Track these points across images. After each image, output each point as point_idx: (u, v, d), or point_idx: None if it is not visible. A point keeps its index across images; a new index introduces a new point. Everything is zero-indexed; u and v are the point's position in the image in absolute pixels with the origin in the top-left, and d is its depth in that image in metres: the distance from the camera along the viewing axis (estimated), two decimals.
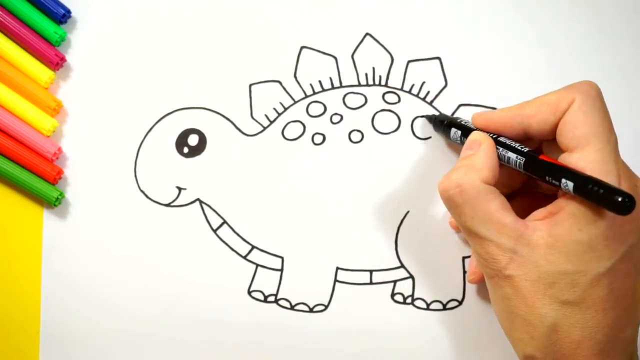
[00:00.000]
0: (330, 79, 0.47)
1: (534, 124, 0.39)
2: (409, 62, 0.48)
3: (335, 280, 0.47)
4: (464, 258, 0.46)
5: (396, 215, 0.47)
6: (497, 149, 0.40)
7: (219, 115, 0.47)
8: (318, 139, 0.47)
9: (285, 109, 0.47)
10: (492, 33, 0.48)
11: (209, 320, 0.47)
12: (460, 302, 0.47)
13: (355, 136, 0.47)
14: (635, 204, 0.32)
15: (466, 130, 0.42)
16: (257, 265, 0.47)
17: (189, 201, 0.47)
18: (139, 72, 0.47)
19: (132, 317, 0.47)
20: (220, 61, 0.47)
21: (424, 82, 0.47)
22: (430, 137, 0.47)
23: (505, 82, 0.48)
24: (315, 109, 0.47)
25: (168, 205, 0.47)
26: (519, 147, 0.39)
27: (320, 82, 0.47)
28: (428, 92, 0.47)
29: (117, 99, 0.47)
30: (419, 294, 0.47)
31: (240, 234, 0.47)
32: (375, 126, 0.47)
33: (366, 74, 0.47)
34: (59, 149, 0.46)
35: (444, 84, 0.47)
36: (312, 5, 0.48)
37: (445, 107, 0.47)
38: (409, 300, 0.47)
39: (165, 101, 0.47)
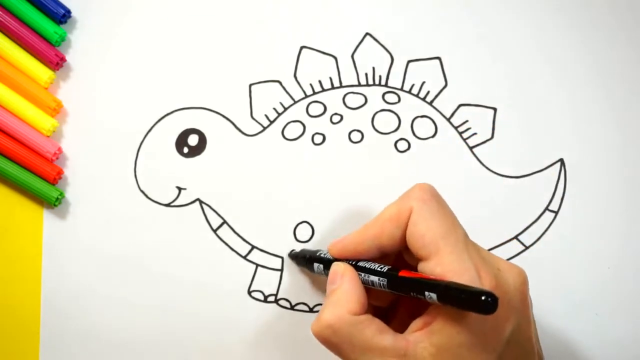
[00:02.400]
0: (330, 79, 0.47)
1: (384, 242, 0.39)
2: (409, 62, 0.48)
3: None
4: None
5: None
6: (359, 274, 0.39)
7: (219, 115, 0.47)
8: (318, 139, 0.47)
9: (285, 109, 0.47)
10: (492, 33, 0.48)
11: (208, 321, 0.47)
12: None
13: (355, 136, 0.47)
14: (497, 301, 0.32)
15: (327, 263, 0.41)
16: (257, 265, 0.47)
17: (189, 201, 0.47)
18: (138, 72, 0.47)
19: (132, 317, 0.47)
20: (220, 61, 0.47)
21: (424, 82, 0.47)
22: (430, 137, 0.47)
23: (505, 82, 0.48)
24: (315, 109, 0.47)
25: (168, 205, 0.47)
26: (378, 269, 0.38)
27: (320, 82, 0.47)
28: (428, 92, 0.47)
29: (117, 99, 0.47)
30: None
31: (240, 234, 0.47)
32: (375, 126, 0.47)
33: (366, 74, 0.47)
34: (59, 149, 0.46)
35: (444, 84, 0.47)
36: (312, 5, 0.48)
37: (445, 107, 0.47)
38: None
39: (165, 101, 0.47)
